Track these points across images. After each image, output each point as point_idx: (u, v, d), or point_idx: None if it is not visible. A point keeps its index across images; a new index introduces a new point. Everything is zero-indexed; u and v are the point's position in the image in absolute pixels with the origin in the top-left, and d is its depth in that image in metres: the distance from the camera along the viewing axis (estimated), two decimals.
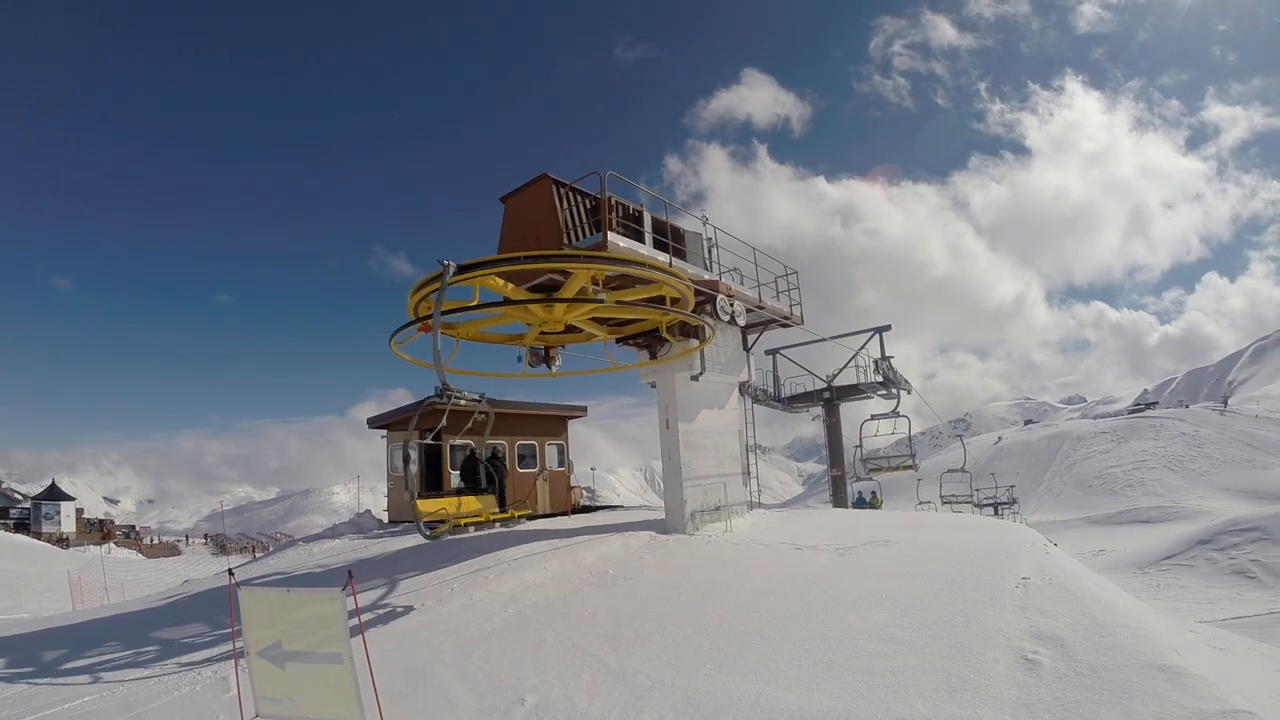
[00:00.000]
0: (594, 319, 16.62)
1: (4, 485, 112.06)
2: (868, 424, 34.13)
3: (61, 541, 76.05)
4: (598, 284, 15.34)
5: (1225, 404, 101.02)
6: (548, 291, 15.27)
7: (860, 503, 32.83)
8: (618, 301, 14.92)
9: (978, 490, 39.89)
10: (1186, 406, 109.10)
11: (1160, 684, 7.00)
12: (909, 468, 33.69)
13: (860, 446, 34.56)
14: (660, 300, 15.42)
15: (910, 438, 32.23)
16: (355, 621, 7.05)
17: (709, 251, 18.67)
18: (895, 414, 32.54)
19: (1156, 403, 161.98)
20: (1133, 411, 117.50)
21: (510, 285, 14.61)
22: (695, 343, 17.20)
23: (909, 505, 39.73)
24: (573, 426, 28.09)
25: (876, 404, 34.24)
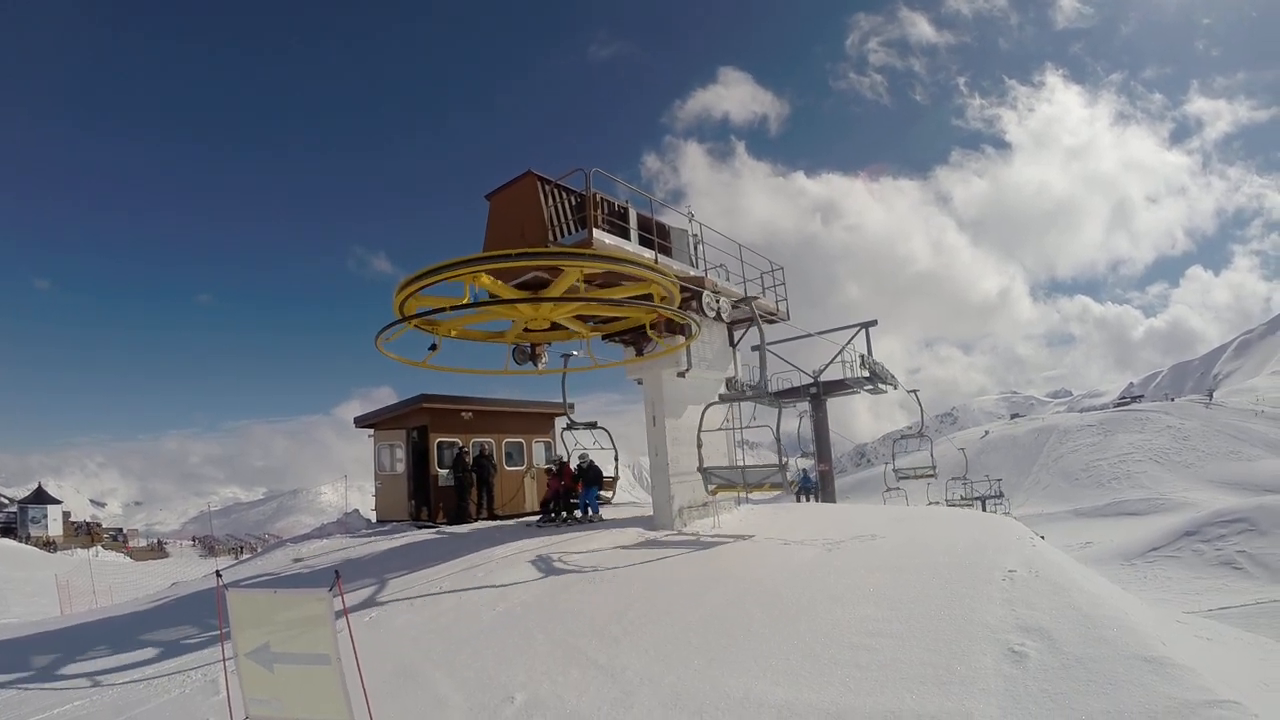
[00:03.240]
0: (580, 316, 16.62)
1: None
2: (898, 443, 39.76)
3: (48, 545, 75.67)
4: (589, 282, 15.35)
5: (1210, 397, 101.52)
6: (534, 289, 15.27)
7: (806, 482, 32.21)
8: (604, 299, 14.94)
9: (956, 479, 41.13)
10: (1172, 400, 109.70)
11: (1146, 675, 7.04)
12: (930, 476, 36.22)
13: (892, 458, 38.80)
14: (647, 297, 15.43)
15: (931, 451, 35.93)
16: (343, 622, 7.05)
17: (694, 248, 18.67)
18: (921, 434, 36.25)
19: (1142, 396, 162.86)
20: (1118, 405, 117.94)
21: (499, 283, 14.59)
22: (681, 339, 17.20)
23: (876, 491, 40.91)
24: (559, 424, 28.08)
25: (863, 399, 34.78)
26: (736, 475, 18.53)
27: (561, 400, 24.35)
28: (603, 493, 22.22)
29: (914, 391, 36.89)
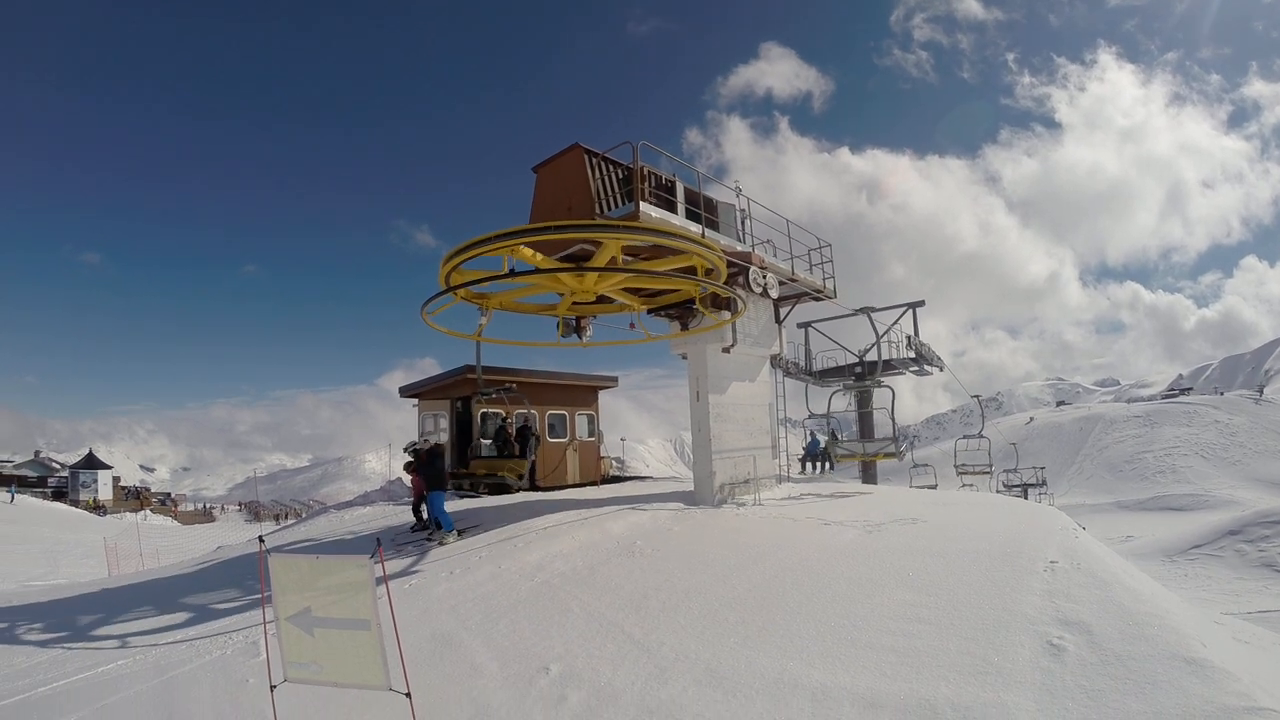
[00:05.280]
0: (626, 289, 16.57)
1: (42, 454, 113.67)
2: (960, 441, 41.48)
3: (98, 509, 77.15)
4: (635, 255, 15.28)
5: (1261, 393, 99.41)
6: (579, 261, 15.26)
7: (814, 446, 31.10)
8: (647, 271, 14.89)
9: (1006, 470, 41.65)
10: (1221, 394, 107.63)
11: (1186, 677, 6.92)
12: (987, 472, 38.79)
13: (955, 456, 40.58)
14: (692, 271, 15.39)
15: (990, 451, 38.01)
16: (384, 588, 7.11)
17: (741, 223, 18.57)
18: (980, 435, 38.51)
19: (1191, 389, 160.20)
20: (1166, 396, 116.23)
21: (539, 255, 14.60)
22: (727, 315, 17.14)
23: (903, 469, 41.78)
24: (603, 397, 28.12)
25: (907, 380, 34.87)
26: (858, 446, 26.09)
27: (606, 374, 24.57)
28: (511, 477, 19.55)
29: (977, 396, 42.47)
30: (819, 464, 29.27)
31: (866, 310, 24.64)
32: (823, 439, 30.11)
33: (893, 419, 24.35)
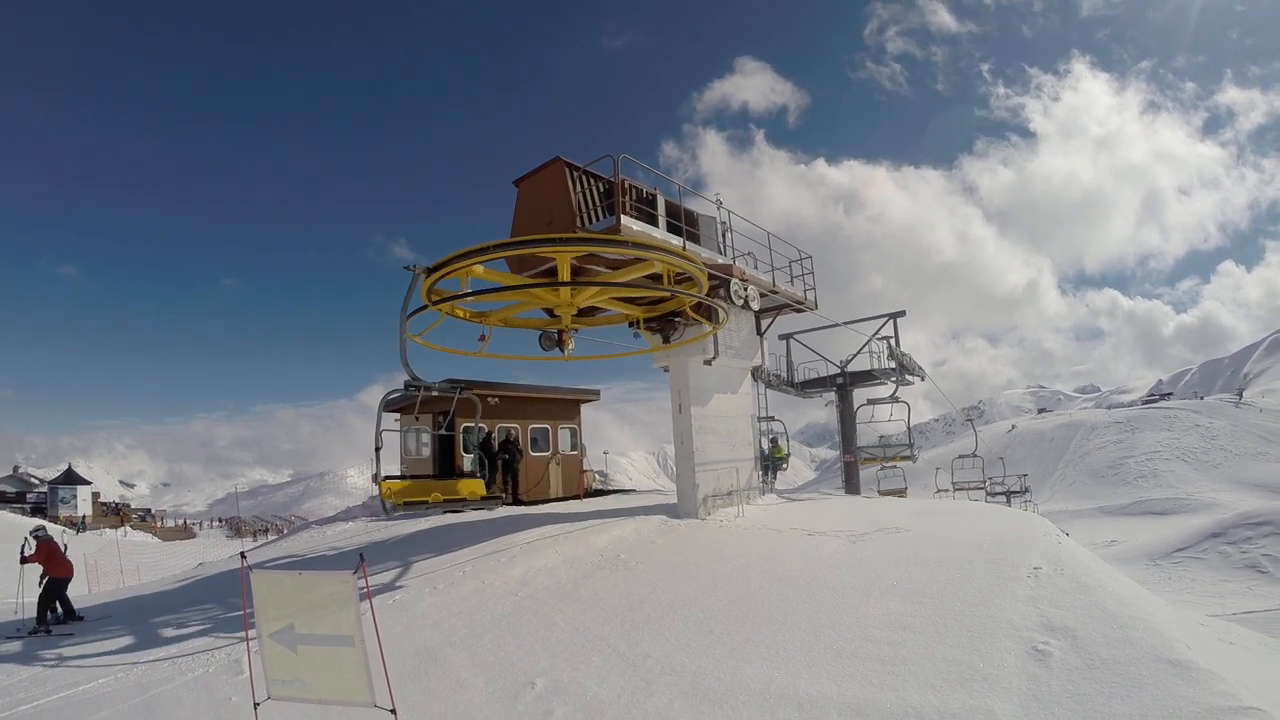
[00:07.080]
0: (618, 300, 16.55)
1: (21, 470, 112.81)
2: (956, 460, 42.05)
3: (75, 525, 76.63)
4: (614, 268, 15.23)
5: (1240, 396, 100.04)
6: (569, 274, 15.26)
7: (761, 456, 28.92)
8: (627, 284, 14.88)
9: (990, 479, 41.56)
10: (1201, 398, 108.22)
11: (1171, 678, 6.96)
12: (981, 487, 39.57)
13: (951, 473, 40.98)
14: (661, 281, 15.39)
15: (984, 468, 39.68)
16: (367, 604, 7.08)
17: (722, 235, 18.60)
18: (974, 455, 39.71)
19: (1171, 394, 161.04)
20: (1146, 402, 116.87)
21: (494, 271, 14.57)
22: (708, 327, 17.15)
23: (870, 474, 41.81)
24: (585, 410, 28.04)
25: (890, 390, 34.63)
26: (879, 450, 32.16)
27: (588, 387, 24.50)
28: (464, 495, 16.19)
29: (970, 419, 46.77)
30: (763, 472, 28.20)
31: (890, 342, 27.77)
32: (766, 445, 29.36)
33: (908, 428, 29.00)
